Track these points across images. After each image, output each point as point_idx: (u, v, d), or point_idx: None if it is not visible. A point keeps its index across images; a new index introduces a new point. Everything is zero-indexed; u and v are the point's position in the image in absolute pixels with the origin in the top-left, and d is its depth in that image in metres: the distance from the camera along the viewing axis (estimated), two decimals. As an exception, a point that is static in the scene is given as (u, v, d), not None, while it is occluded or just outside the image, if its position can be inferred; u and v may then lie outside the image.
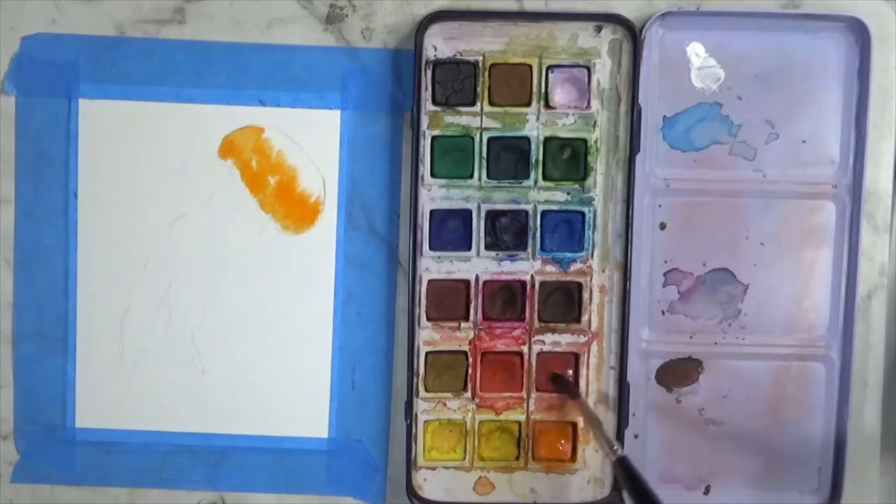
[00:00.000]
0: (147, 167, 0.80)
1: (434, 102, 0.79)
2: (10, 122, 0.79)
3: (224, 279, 0.80)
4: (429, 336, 0.80)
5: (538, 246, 0.80)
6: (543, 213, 0.80)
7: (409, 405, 0.80)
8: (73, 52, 0.79)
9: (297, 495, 0.82)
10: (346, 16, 0.80)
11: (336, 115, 0.80)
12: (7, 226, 0.80)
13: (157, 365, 0.81)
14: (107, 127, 0.79)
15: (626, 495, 0.72)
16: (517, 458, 0.82)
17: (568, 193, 0.80)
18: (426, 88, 0.79)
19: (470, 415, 0.81)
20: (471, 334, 0.81)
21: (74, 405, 0.81)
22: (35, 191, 0.80)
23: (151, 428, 0.81)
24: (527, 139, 0.80)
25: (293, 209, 0.80)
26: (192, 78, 0.79)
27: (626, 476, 0.71)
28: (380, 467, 0.82)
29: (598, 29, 0.79)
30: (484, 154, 0.79)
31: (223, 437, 0.81)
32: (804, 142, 0.80)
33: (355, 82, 0.80)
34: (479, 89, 0.79)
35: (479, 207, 0.80)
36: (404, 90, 0.80)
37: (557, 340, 0.81)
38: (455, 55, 0.79)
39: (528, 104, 0.80)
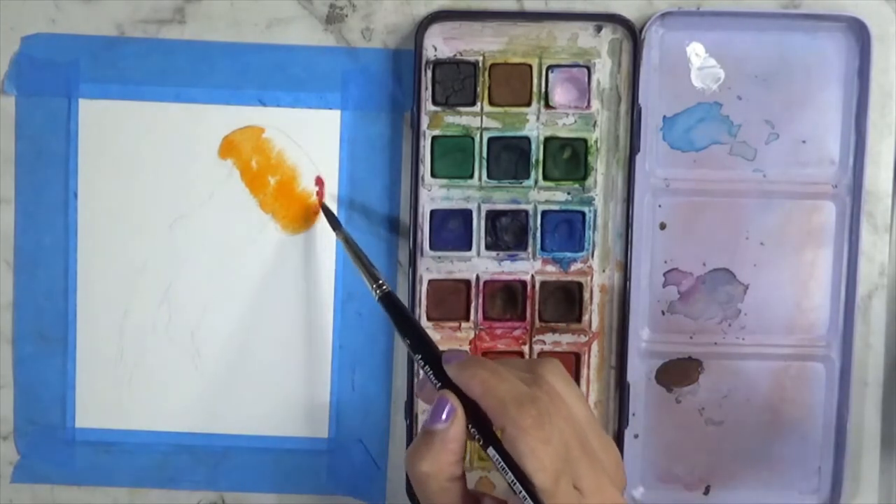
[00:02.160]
0: (147, 167, 0.80)
1: (434, 102, 0.79)
2: (10, 122, 0.79)
3: (224, 279, 0.80)
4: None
5: (538, 246, 0.80)
6: (544, 212, 0.80)
7: (410, 405, 0.80)
8: (73, 52, 0.79)
9: (297, 495, 0.82)
10: (346, 16, 0.80)
11: (336, 115, 0.80)
12: (7, 226, 0.80)
13: (157, 365, 0.81)
14: (107, 127, 0.79)
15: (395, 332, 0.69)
16: (517, 458, 0.81)
17: (568, 193, 0.80)
18: (426, 88, 0.79)
19: (470, 414, 0.81)
20: (471, 334, 0.81)
21: (74, 405, 0.81)
22: (35, 191, 0.80)
23: (151, 428, 0.81)
24: (527, 139, 0.80)
25: (293, 209, 0.80)
26: (192, 78, 0.79)
27: (393, 312, 0.68)
28: (380, 467, 0.82)
29: (598, 29, 0.79)
30: (484, 154, 0.79)
31: (223, 437, 0.81)
32: (804, 142, 0.80)
33: (355, 82, 0.80)
34: (479, 89, 0.79)
35: (479, 207, 0.80)
36: (404, 90, 0.80)
37: (558, 340, 0.81)
38: (455, 55, 0.79)
39: (529, 104, 0.80)
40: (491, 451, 0.59)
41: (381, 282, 0.70)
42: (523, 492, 0.57)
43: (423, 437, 0.60)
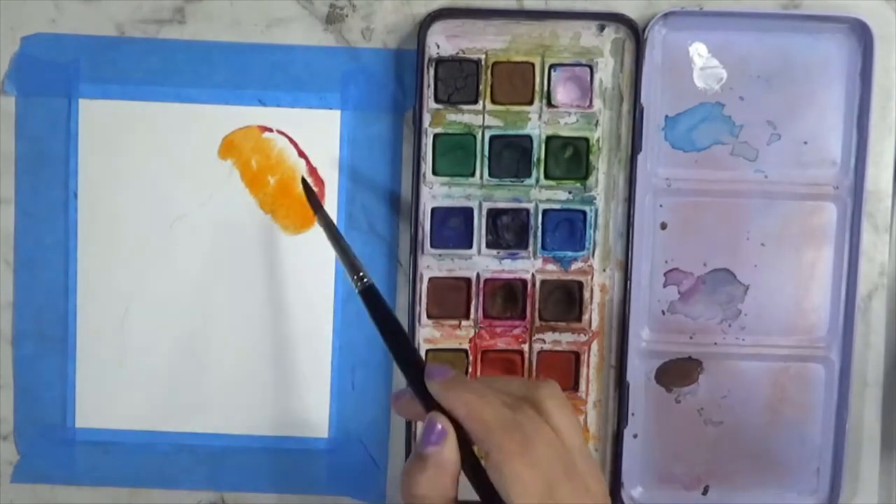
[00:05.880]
0: (147, 167, 0.80)
1: (436, 100, 0.79)
2: (10, 122, 0.79)
3: (224, 279, 0.80)
4: (429, 334, 0.81)
5: (539, 244, 0.80)
6: (545, 211, 0.80)
7: (409, 402, 0.80)
8: (73, 52, 0.79)
9: (297, 495, 0.82)
10: (346, 16, 0.79)
11: (336, 115, 0.80)
12: (7, 226, 0.80)
13: (157, 365, 0.81)
14: (107, 127, 0.79)
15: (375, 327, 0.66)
16: (516, 457, 0.82)
17: (569, 192, 0.80)
18: (428, 86, 0.79)
19: (470, 413, 0.81)
20: (471, 332, 0.81)
21: (74, 405, 0.81)
22: (35, 191, 0.80)
23: (152, 428, 0.81)
24: (529, 138, 0.80)
25: (293, 209, 0.80)
26: (192, 78, 0.79)
27: (374, 306, 0.65)
28: (380, 467, 0.82)
29: (601, 28, 0.79)
30: (486, 152, 0.79)
31: (223, 437, 0.81)
32: (806, 143, 0.80)
33: (355, 82, 0.79)
34: (481, 87, 0.79)
35: (480, 205, 0.80)
36: (404, 90, 0.80)
37: (558, 339, 0.81)
38: (458, 53, 0.79)
39: (531, 102, 0.79)
40: (466, 470, 0.59)
41: (361, 274, 0.66)
42: None
43: (417, 460, 0.59)
